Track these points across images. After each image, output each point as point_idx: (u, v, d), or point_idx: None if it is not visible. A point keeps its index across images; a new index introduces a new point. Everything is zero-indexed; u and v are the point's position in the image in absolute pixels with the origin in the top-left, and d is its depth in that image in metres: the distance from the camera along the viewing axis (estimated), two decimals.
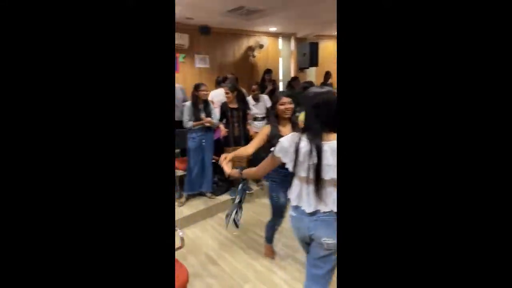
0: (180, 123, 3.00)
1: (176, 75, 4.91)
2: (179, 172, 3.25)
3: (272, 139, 1.73)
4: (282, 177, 1.82)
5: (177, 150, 3.59)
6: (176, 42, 4.81)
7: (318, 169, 1.16)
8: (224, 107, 3.10)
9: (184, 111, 2.94)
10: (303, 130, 1.25)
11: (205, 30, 4.72)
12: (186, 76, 4.81)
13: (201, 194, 3.22)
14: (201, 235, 2.67)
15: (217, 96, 3.54)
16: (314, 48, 5.29)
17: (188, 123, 2.92)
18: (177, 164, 3.27)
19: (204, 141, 3.01)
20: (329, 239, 1.21)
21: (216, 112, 3.06)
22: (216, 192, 3.27)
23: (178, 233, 1.64)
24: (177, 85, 3.91)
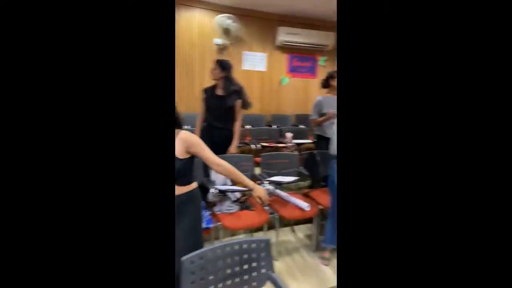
0: (326, 139, 2.42)
1: (313, 80, 4.57)
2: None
3: None
4: None
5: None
6: (317, 41, 4.29)
7: None
8: None
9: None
10: None
11: None
12: None
13: None
14: None
15: None
16: None
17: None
18: (316, 195, 2.27)
19: None
20: None
21: None
22: None
23: None
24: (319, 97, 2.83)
